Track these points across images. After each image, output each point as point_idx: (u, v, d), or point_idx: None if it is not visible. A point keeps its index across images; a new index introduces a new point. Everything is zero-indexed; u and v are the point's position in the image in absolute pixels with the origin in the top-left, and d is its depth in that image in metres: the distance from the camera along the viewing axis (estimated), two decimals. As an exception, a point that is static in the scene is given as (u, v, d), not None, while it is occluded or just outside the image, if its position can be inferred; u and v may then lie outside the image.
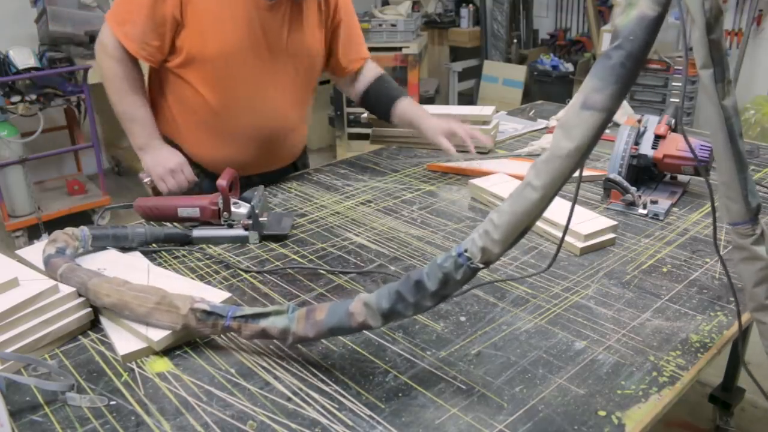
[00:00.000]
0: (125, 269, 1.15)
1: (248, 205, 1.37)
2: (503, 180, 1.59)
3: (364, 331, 1.03)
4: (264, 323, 0.92)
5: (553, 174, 0.75)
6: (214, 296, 1.07)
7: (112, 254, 1.25)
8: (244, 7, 1.46)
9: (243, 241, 1.36)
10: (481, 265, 0.79)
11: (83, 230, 1.23)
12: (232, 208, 1.36)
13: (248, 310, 0.94)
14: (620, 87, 0.71)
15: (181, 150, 1.61)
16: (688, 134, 1.81)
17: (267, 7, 1.48)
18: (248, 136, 1.59)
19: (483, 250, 0.78)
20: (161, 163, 1.55)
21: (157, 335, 0.97)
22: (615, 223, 1.33)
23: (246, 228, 1.36)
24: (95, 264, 1.17)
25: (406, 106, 1.70)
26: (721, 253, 1.27)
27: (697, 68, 0.76)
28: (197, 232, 1.35)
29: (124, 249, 1.28)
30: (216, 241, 1.36)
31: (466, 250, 0.79)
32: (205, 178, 1.63)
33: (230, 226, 1.37)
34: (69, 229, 1.21)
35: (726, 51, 0.77)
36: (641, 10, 0.70)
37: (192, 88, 1.52)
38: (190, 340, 1.01)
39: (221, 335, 0.98)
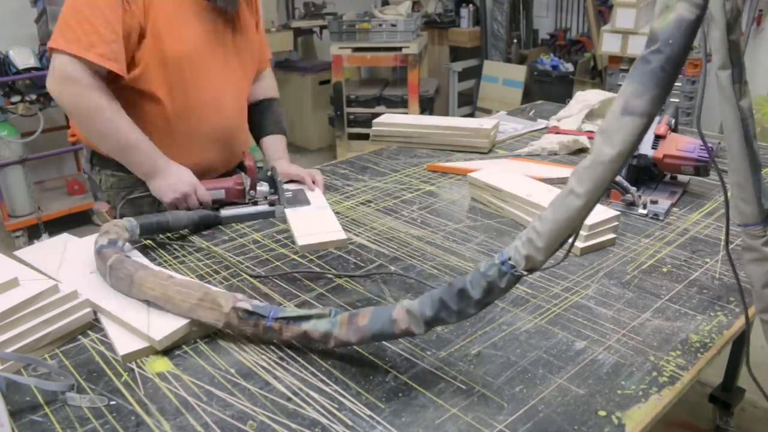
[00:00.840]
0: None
1: (266, 184, 1.47)
2: (502, 169, 1.62)
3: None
4: (306, 326, 0.93)
5: (596, 180, 0.75)
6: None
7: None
8: (193, 9, 1.44)
9: (269, 216, 1.45)
10: (525, 273, 0.79)
11: (131, 221, 1.26)
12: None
13: (290, 311, 0.95)
14: (660, 91, 0.72)
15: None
16: (689, 134, 1.81)
17: (211, 8, 1.46)
18: (209, 138, 1.54)
19: (527, 258, 0.78)
20: (173, 187, 1.42)
21: (159, 334, 0.97)
22: (617, 213, 1.32)
23: (272, 204, 1.45)
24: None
25: (269, 143, 1.69)
26: (722, 253, 1.28)
27: (715, 69, 0.76)
28: (225, 212, 1.43)
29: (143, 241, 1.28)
30: (244, 218, 1.43)
31: (509, 258, 0.79)
32: None
33: (255, 204, 1.46)
34: (118, 221, 1.26)
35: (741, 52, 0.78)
36: (679, 13, 0.69)
37: (149, 99, 1.44)
38: (189, 340, 1.01)
39: (262, 336, 0.98)
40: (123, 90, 1.41)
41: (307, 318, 0.94)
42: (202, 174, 1.48)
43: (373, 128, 2.04)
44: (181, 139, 1.50)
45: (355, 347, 0.99)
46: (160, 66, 1.41)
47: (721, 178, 0.85)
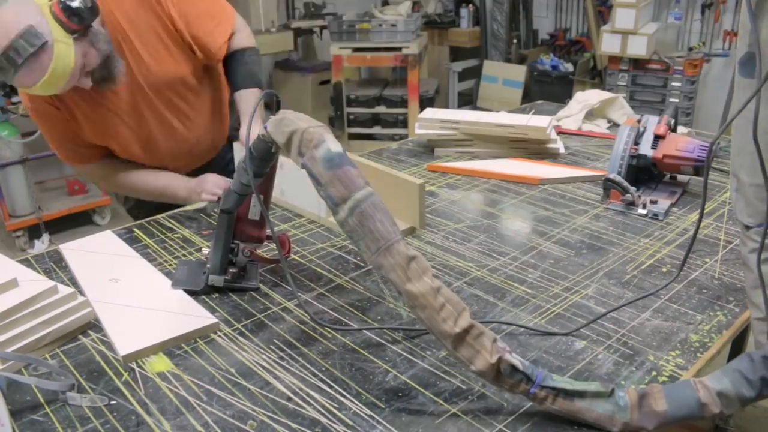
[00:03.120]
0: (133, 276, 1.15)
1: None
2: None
3: (364, 331, 1.04)
4: (580, 404, 0.81)
5: None
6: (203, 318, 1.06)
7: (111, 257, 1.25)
8: (93, 107, 1.42)
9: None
10: None
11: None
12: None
13: (561, 381, 0.82)
14: None
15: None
16: (692, 135, 1.81)
17: (98, 88, 1.35)
18: (180, 164, 1.61)
19: None
20: (209, 191, 1.44)
21: (155, 339, 0.97)
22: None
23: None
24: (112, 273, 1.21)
25: (240, 99, 1.53)
26: (722, 253, 1.28)
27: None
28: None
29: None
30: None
31: None
32: None
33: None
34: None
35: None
36: None
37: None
38: (189, 341, 1.02)
39: (517, 398, 0.86)
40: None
41: (582, 394, 0.81)
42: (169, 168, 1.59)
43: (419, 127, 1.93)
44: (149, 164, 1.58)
45: (353, 346, 0.99)
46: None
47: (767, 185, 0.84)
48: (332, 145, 0.89)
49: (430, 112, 1.98)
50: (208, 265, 1.15)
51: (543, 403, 0.82)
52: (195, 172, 1.57)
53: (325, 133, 0.91)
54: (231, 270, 1.15)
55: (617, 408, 0.80)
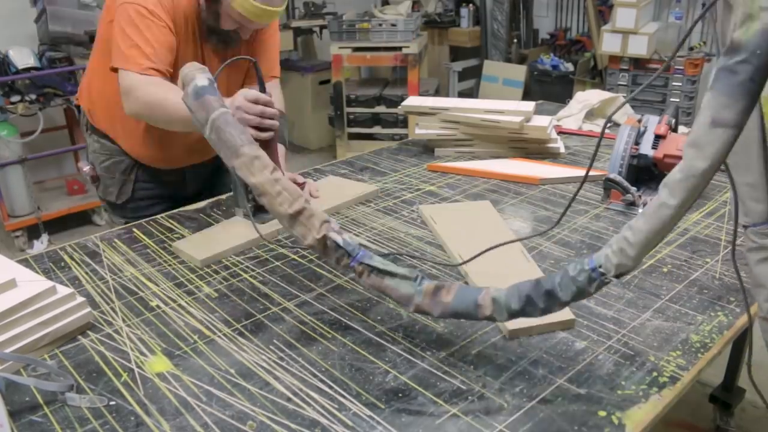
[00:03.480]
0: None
1: None
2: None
3: (364, 331, 1.04)
4: (388, 282, 0.94)
5: (689, 193, 0.77)
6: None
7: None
8: (196, 47, 1.53)
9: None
10: (614, 279, 0.84)
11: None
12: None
13: (377, 261, 0.95)
14: (749, 102, 0.72)
15: (117, 144, 1.65)
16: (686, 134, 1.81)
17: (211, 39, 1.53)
18: (178, 142, 1.62)
19: (618, 266, 0.83)
20: (245, 97, 1.40)
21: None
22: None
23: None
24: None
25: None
26: (723, 253, 1.27)
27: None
28: None
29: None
30: None
31: (600, 266, 0.84)
32: (139, 169, 1.68)
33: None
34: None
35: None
36: (766, 23, 0.68)
37: None
38: (189, 341, 1.01)
39: (341, 271, 1.00)
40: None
41: (392, 275, 0.94)
42: (166, 161, 1.66)
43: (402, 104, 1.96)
44: (165, 137, 1.58)
45: (353, 346, 0.99)
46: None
47: (730, 178, 0.85)
48: (199, 81, 1.06)
49: (414, 100, 1.98)
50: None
51: (360, 276, 0.96)
52: (186, 171, 1.71)
53: (198, 72, 1.08)
54: (250, 205, 1.32)
55: (416, 292, 0.93)
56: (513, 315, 0.90)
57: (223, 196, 1.61)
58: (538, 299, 0.87)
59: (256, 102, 1.33)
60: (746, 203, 0.85)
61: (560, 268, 1.23)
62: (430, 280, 0.95)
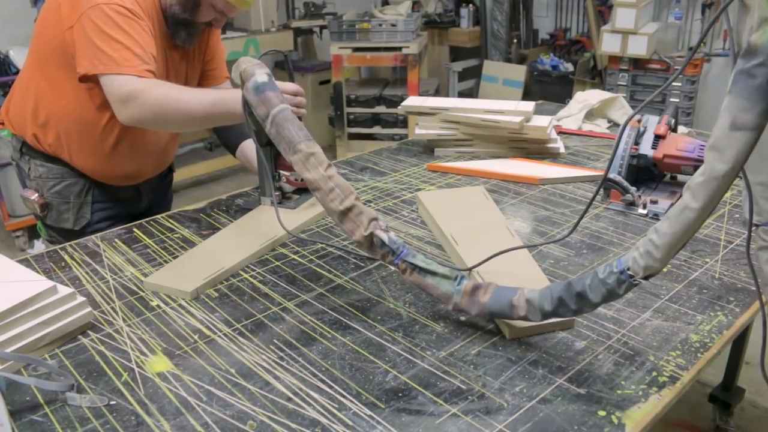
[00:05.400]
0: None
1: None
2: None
3: (361, 333, 1.04)
4: (430, 280, 1.00)
5: (711, 195, 0.78)
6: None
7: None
8: (161, 46, 1.49)
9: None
10: (642, 281, 0.85)
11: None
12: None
13: (420, 260, 1.00)
14: None
15: (65, 164, 1.54)
16: (692, 135, 1.81)
17: (173, 44, 1.53)
18: (151, 152, 1.63)
19: (645, 268, 0.84)
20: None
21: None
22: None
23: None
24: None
25: (247, 148, 1.70)
26: (722, 253, 1.27)
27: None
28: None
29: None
30: None
31: (628, 269, 0.85)
32: (95, 189, 1.58)
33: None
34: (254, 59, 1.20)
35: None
36: None
37: (103, 108, 1.45)
38: (189, 341, 1.01)
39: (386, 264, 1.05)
40: (84, 91, 1.43)
41: (434, 273, 0.99)
42: (127, 180, 1.63)
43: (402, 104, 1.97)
44: (121, 150, 1.55)
45: (353, 346, 0.99)
46: None
47: (745, 177, 0.85)
48: (259, 77, 1.13)
49: (414, 100, 1.98)
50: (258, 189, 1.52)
51: (404, 273, 1.01)
52: (141, 185, 1.68)
53: (257, 68, 1.14)
54: (276, 194, 1.44)
55: (456, 291, 0.99)
56: (546, 316, 0.93)
57: (223, 196, 1.62)
58: (570, 301, 0.90)
59: (295, 94, 1.41)
60: (759, 202, 0.85)
61: (560, 267, 1.23)
62: (469, 280, 0.99)
